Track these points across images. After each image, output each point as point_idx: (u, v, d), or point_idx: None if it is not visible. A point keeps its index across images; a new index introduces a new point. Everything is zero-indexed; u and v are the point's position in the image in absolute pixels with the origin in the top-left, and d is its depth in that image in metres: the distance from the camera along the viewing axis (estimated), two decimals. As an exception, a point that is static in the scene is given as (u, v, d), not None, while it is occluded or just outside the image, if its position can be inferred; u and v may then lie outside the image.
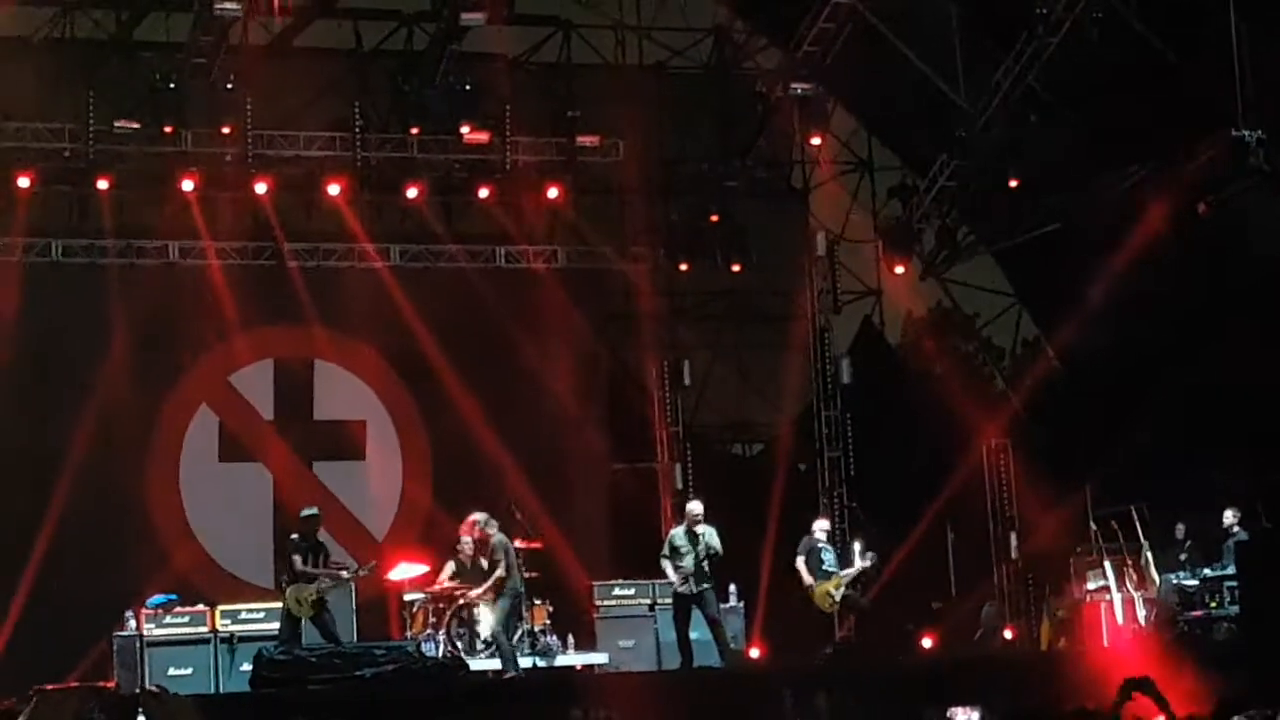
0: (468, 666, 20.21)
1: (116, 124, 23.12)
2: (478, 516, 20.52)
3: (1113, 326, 24.27)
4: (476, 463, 24.06)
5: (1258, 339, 22.41)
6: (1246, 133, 21.23)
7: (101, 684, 5.51)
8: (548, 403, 25.40)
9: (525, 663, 20.71)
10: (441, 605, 21.14)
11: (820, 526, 22.68)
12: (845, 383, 26.88)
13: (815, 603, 22.07)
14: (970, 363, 28.73)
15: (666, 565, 20.77)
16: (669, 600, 21.96)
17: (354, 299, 24.94)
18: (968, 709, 14.23)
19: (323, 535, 21.15)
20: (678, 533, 20.84)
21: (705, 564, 20.51)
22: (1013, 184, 24.79)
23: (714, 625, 20.66)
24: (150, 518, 23.86)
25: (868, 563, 22.27)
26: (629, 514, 25.21)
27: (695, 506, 21.02)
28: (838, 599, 22.02)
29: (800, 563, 22.15)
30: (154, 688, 4.80)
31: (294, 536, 20.94)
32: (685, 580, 20.52)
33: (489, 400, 24.72)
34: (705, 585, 20.57)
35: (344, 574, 21.00)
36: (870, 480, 26.14)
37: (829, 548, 22.37)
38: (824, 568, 22.14)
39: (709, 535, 20.49)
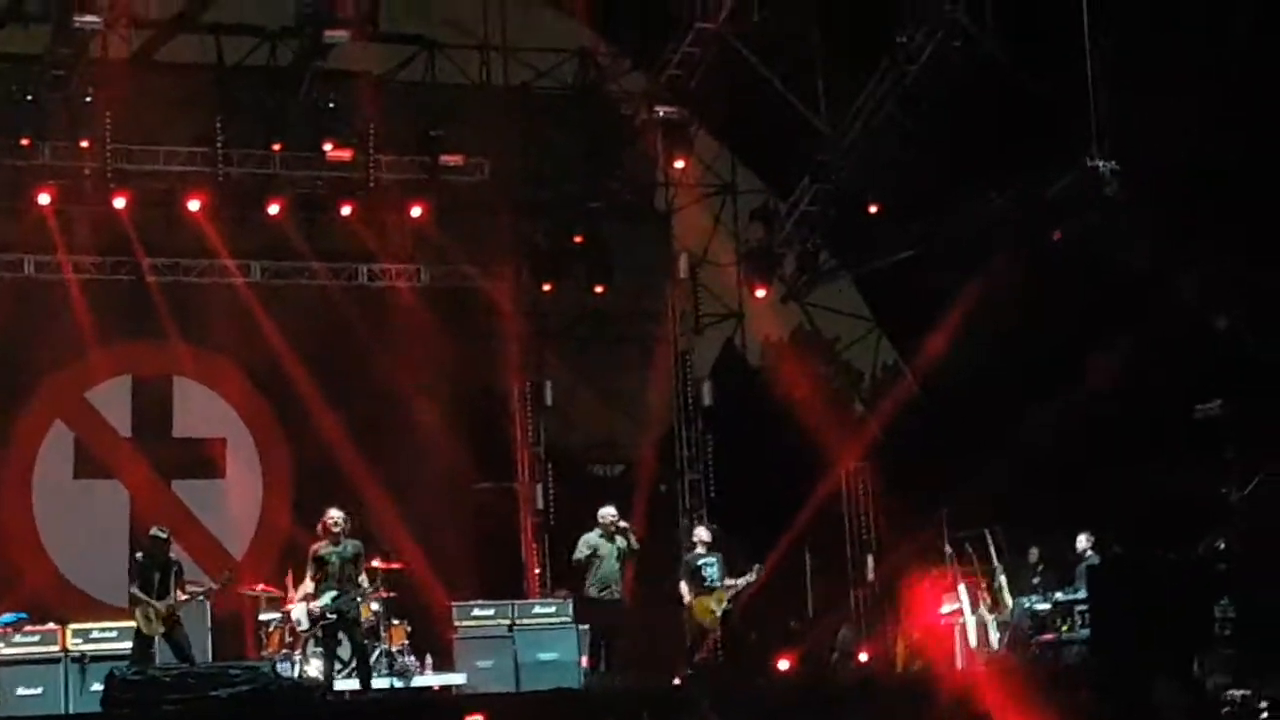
0: (327, 687, 20.09)
1: (-29, 137, 22.83)
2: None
3: (970, 352, 24.52)
4: (337, 481, 23.90)
5: (1113, 365, 22.74)
6: (1101, 162, 21.59)
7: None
8: (409, 421, 25.33)
9: (383, 683, 20.61)
10: (299, 625, 20.96)
11: (700, 537, 22.63)
12: (707, 405, 27.03)
13: (696, 618, 21.99)
14: (830, 386, 28.92)
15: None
16: (527, 621, 22.03)
17: (215, 315, 24.78)
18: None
19: (180, 554, 20.93)
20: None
21: None
22: (873, 209, 25.04)
23: None
24: (1, 534, 23.53)
25: (753, 576, 22.22)
26: (490, 534, 25.19)
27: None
28: (719, 613, 21.90)
29: (682, 583, 22.14)
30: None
31: (138, 556, 20.73)
32: None
33: (350, 418, 24.64)
34: None
35: (197, 590, 20.79)
36: (731, 502, 26.26)
37: (711, 559, 22.28)
38: (705, 583, 22.08)
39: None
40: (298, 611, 20.25)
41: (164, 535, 20.63)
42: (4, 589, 22.12)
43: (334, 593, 19.33)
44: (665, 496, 26.53)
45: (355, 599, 19.56)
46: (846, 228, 25.85)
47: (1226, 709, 16.70)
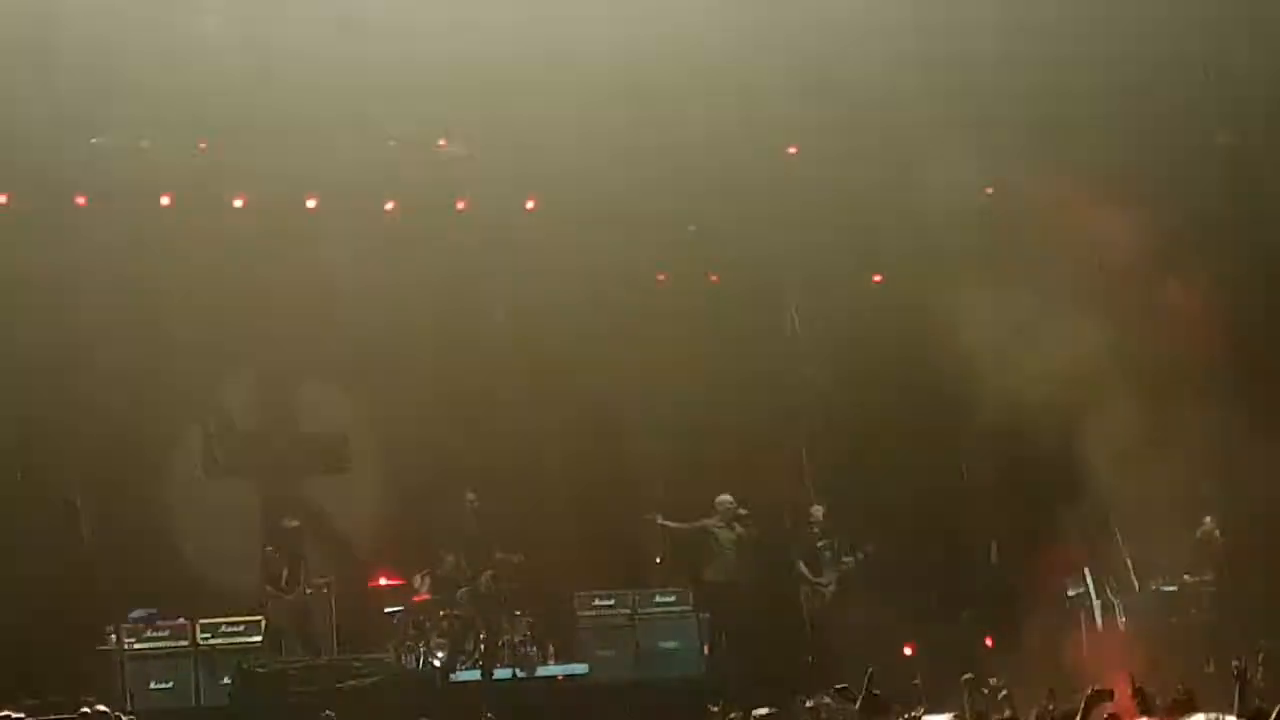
0: (448, 678, 20.31)
1: None
2: None
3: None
4: (458, 472, 23.90)
5: None
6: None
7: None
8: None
9: (505, 673, 20.79)
10: (421, 617, 21.21)
11: (815, 517, 22.79)
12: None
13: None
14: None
15: None
16: (648, 610, 22.15)
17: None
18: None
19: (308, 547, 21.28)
20: None
21: None
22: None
23: None
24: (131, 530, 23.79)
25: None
26: (611, 524, 25.22)
27: None
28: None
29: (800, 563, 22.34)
30: (100, 708, 4.81)
31: (268, 549, 21.00)
32: None
33: (471, 409, 24.70)
34: None
35: (322, 582, 21.07)
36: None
37: (826, 540, 22.52)
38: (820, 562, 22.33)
39: None
40: None
41: (294, 526, 20.95)
42: (135, 584, 22.36)
43: None
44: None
45: None
46: None
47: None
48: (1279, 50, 22.24)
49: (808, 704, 15.32)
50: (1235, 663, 13.16)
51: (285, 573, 21.23)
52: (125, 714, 18.55)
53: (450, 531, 21.60)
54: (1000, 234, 23.79)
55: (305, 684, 19.42)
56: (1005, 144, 23.28)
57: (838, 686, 19.95)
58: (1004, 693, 13.38)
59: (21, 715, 6.37)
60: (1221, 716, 5.91)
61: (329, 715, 16.00)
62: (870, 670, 13.29)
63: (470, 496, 21.48)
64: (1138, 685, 13.06)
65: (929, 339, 24.13)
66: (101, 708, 5.30)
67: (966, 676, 13.99)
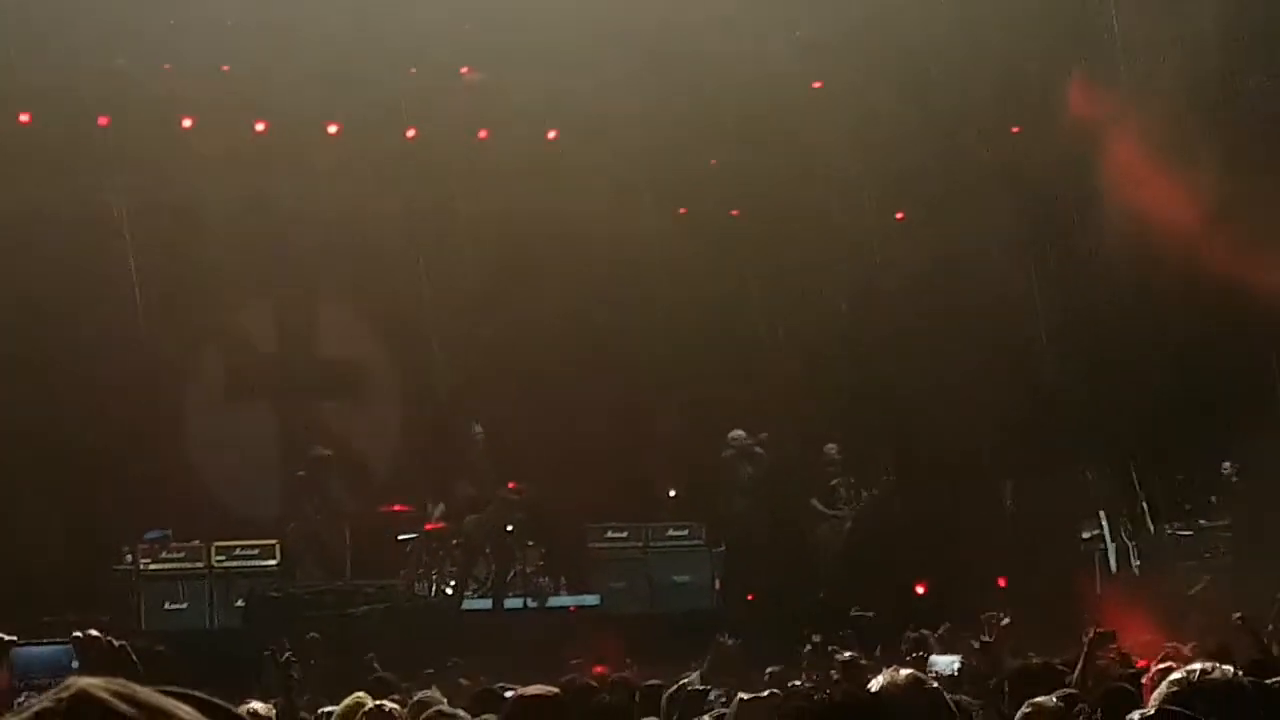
0: (460, 605, 20.39)
1: None
2: None
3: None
4: (473, 402, 24.00)
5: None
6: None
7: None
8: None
9: (516, 603, 20.86)
10: (435, 544, 21.28)
11: (830, 454, 22.80)
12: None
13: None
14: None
15: None
16: (660, 544, 22.21)
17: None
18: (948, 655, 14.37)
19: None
20: None
21: None
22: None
23: None
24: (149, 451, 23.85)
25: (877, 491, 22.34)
26: (625, 457, 25.25)
27: None
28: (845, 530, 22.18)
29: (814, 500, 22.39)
30: (91, 633, 4.82)
31: (300, 474, 21.10)
32: None
33: (490, 338, 24.70)
34: None
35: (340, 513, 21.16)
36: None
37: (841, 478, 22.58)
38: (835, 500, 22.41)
39: None
40: None
41: (325, 454, 21.04)
42: (152, 505, 22.43)
43: None
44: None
45: None
46: None
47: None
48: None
49: (814, 639, 15.33)
50: (1236, 616, 13.19)
51: (314, 499, 21.31)
52: (138, 635, 18.81)
53: (463, 462, 21.61)
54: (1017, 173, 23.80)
55: (317, 608, 19.49)
56: (1036, 83, 23.25)
57: (854, 613, 20.19)
58: (1005, 620, 13.39)
59: (14, 637, 6.40)
60: (1218, 666, 5.87)
61: (314, 637, 16.05)
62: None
63: (477, 429, 21.48)
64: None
65: (952, 276, 24.14)
66: (93, 632, 5.28)
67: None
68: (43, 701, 1.96)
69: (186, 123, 23.50)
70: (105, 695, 1.94)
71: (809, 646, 14.32)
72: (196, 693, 2.08)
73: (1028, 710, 7.71)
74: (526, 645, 18.22)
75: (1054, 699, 8.31)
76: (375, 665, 14.90)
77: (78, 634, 5.36)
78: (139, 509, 22.10)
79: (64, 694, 1.95)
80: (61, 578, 20.72)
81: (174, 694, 2.04)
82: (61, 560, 21.01)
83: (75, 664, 5.83)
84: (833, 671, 12.32)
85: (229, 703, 8.59)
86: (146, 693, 1.99)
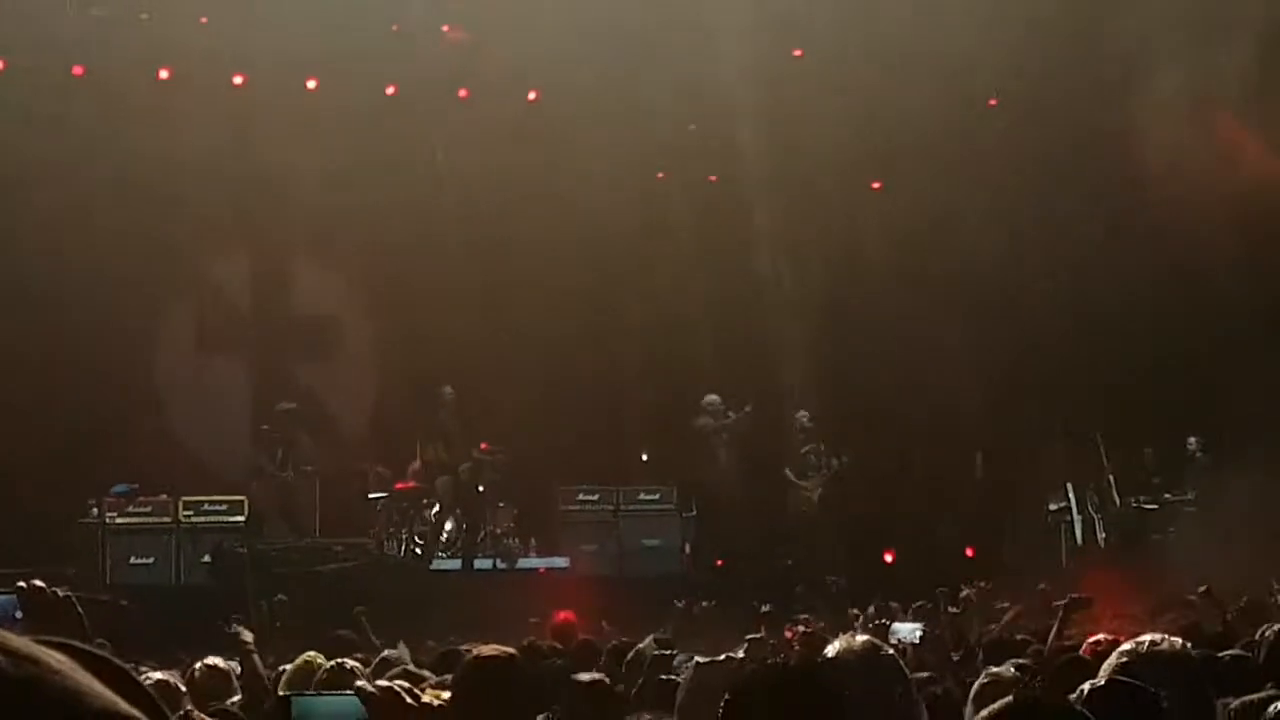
0: (429, 565, 20.40)
1: None
2: None
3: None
4: (447, 362, 23.96)
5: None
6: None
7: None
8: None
9: (485, 564, 20.87)
10: (405, 504, 21.26)
11: (801, 423, 22.81)
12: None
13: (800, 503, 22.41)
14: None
15: None
16: (632, 507, 22.22)
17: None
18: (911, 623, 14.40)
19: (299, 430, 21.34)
20: None
21: None
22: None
23: None
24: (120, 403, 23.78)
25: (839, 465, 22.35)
26: (597, 419, 25.25)
27: None
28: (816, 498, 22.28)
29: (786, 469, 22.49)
30: (36, 583, 4.79)
31: (265, 428, 21.05)
32: None
33: (467, 301, 24.68)
34: None
35: (308, 467, 21.13)
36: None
37: (811, 446, 22.66)
38: (808, 470, 22.47)
39: None
40: None
41: (289, 409, 20.99)
42: (120, 458, 22.37)
43: None
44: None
45: None
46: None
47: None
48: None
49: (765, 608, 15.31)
50: (1200, 589, 13.25)
51: (277, 454, 21.23)
52: (104, 589, 18.78)
53: (434, 423, 21.57)
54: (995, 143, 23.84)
55: (285, 565, 19.48)
56: (1013, 50, 23.23)
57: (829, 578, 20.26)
58: (965, 593, 13.43)
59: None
60: (1168, 638, 5.90)
61: (281, 599, 15.79)
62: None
63: (447, 390, 21.44)
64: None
65: (927, 243, 24.17)
66: (37, 582, 5.25)
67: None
68: None
69: (164, 74, 23.42)
70: None
71: (763, 610, 14.29)
72: (77, 643, 2.05)
73: (985, 681, 7.70)
74: (495, 606, 18.22)
75: (1011, 669, 8.31)
76: (341, 624, 14.78)
77: (21, 584, 5.32)
78: (106, 463, 22.03)
79: None
80: (28, 530, 20.63)
81: (53, 644, 2.01)
82: (28, 513, 20.94)
83: (18, 614, 5.79)
84: (791, 637, 12.33)
85: (191, 657, 8.47)
86: (20, 641, 1.96)
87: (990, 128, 24.57)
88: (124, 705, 1.98)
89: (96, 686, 1.96)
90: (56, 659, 1.96)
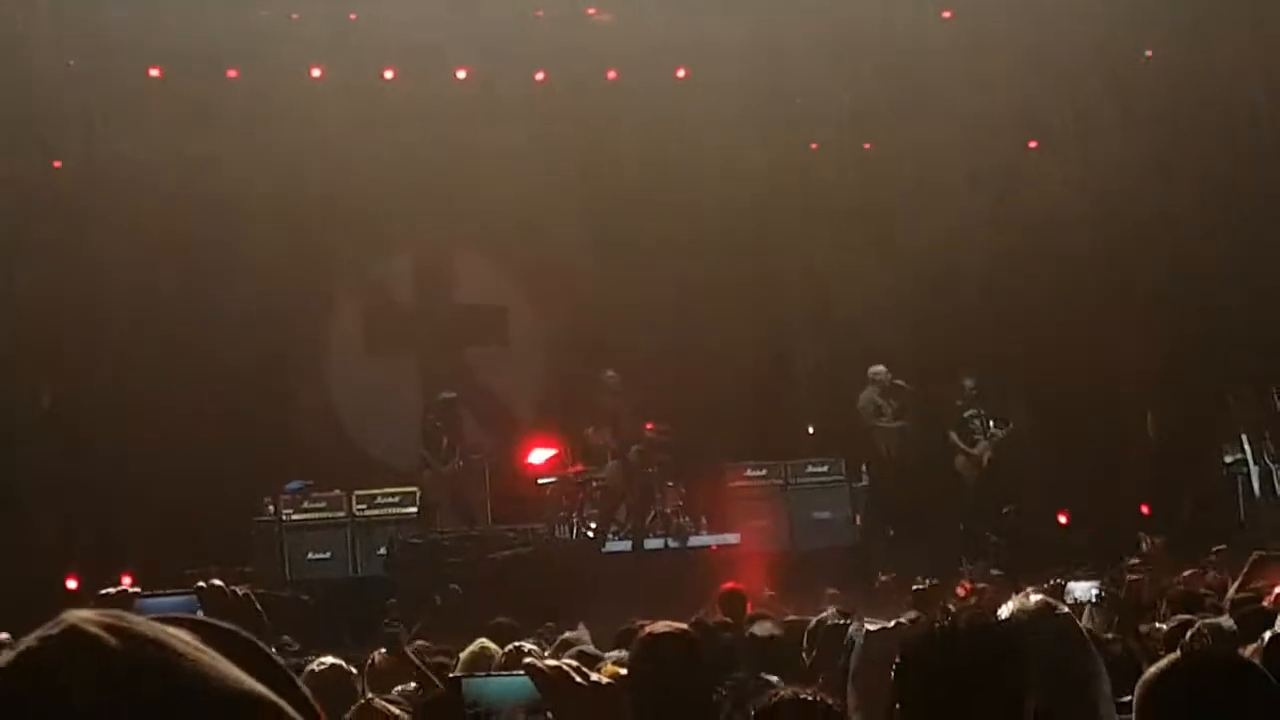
0: (601, 548, 20.43)
1: None
2: None
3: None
4: (611, 345, 23.94)
5: None
6: None
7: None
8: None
9: (657, 544, 20.85)
10: (575, 488, 21.30)
11: (966, 387, 22.66)
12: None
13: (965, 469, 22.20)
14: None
15: None
16: (800, 480, 22.12)
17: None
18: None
19: (466, 419, 21.47)
20: None
21: None
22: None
23: None
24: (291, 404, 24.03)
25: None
26: (764, 394, 25.15)
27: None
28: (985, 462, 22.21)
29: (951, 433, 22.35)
30: (215, 583, 4.82)
31: (429, 419, 21.19)
32: None
33: (627, 283, 24.69)
34: None
35: (477, 455, 21.26)
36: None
37: (975, 410, 22.48)
38: (973, 434, 22.34)
39: None
40: None
41: (451, 398, 21.13)
42: (293, 456, 22.62)
43: None
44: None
45: None
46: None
47: None
48: None
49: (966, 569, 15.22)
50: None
51: (443, 444, 21.36)
52: (286, 585, 19.02)
53: (599, 407, 21.58)
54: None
55: (459, 554, 19.60)
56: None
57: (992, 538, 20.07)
58: (1144, 547, 13.18)
59: (137, 589, 6.43)
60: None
61: (455, 589, 16.04)
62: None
63: (610, 374, 21.41)
64: None
65: (1091, 210, 23.88)
66: (216, 581, 5.29)
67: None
68: (30, 640, 1.91)
69: (316, 73, 23.65)
70: (96, 630, 1.89)
71: (929, 584, 14.11)
72: (204, 619, 2.04)
73: (1174, 625, 7.57)
74: (668, 585, 18.20)
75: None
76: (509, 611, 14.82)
77: (200, 584, 5.36)
78: (279, 461, 22.28)
79: (54, 630, 1.90)
80: (206, 531, 20.93)
81: (175, 621, 1.99)
82: (206, 514, 21.23)
83: (200, 614, 5.83)
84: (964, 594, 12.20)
85: (368, 650, 8.42)
86: (144, 623, 1.94)
87: (1147, 84, 24.19)
88: (250, 682, 1.96)
89: (222, 665, 1.94)
90: (181, 639, 1.94)
